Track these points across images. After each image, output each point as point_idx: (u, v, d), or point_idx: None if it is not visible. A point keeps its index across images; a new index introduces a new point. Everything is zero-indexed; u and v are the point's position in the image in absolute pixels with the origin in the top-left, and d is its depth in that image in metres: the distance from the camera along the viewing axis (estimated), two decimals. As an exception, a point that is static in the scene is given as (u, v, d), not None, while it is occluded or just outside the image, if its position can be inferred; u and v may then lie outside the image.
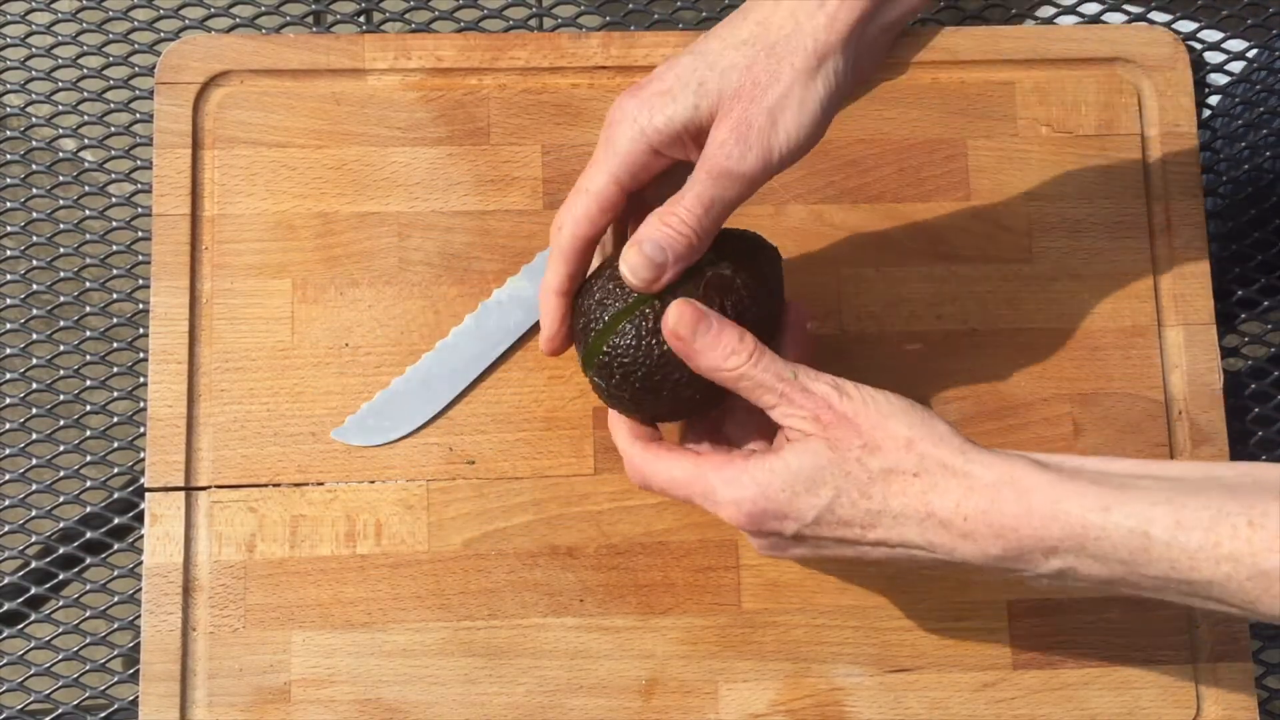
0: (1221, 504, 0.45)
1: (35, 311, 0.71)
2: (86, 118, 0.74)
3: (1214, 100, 0.81)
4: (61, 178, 0.73)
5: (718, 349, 0.52)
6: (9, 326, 0.71)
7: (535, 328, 0.69)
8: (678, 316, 0.52)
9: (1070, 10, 0.80)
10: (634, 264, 0.53)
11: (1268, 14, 0.80)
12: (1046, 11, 0.81)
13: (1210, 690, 0.68)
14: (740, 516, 0.52)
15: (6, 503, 0.69)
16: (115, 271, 0.72)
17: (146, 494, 0.66)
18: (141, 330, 0.70)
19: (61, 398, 0.70)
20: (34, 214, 0.72)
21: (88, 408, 0.70)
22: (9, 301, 0.71)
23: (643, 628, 0.67)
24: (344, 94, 0.71)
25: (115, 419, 0.70)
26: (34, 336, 0.71)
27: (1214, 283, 0.72)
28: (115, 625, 0.69)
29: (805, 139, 0.53)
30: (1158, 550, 0.45)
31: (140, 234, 0.72)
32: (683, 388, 0.55)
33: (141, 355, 0.70)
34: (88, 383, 0.71)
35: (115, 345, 0.71)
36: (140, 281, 0.71)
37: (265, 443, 0.67)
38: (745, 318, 0.54)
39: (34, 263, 0.72)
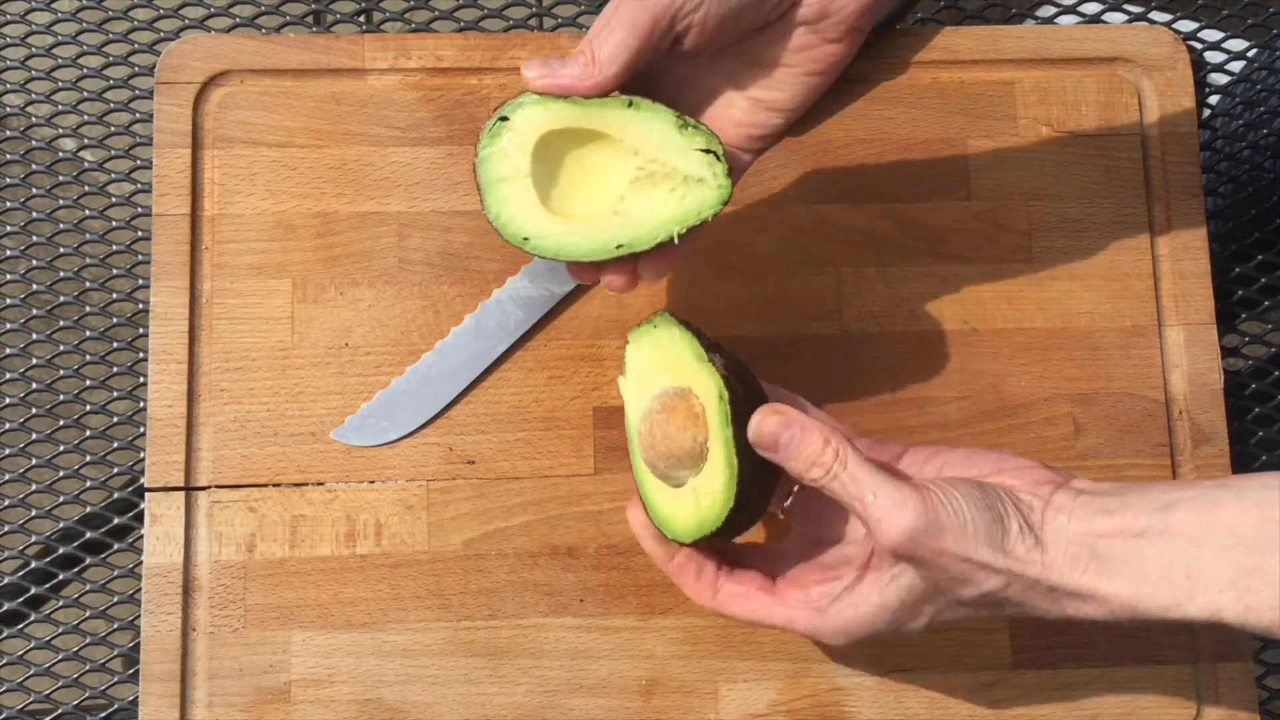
0: None
1: (35, 311, 0.71)
2: (86, 118, 0.74)
3: (1214, 100, 0.81)
4: (61, 178, 0.73)
5: (802, 458, 0.53)
6: (9, 326, 0.71)
7: (535, 327, 0.69)
8: (760, 429, 0.54)
9: (1070, 10, 0.80)
10: (532, 63, 0.54)
11: (1268, 14, 0.80)
12: (1047, 11, 0.81)
13: (1210, 690, 0.68)
14: (849, 647, 0.57)
15: (6, 503, 0.69)
16: (115, 271, 0.72)
17: (146, 494, 0.66)
18: (141, 330, 0.70)
19: (61, 398, 0.70)
20: (34, 214, 0.72)
21: (88, 408, 0.70)
22: (9, 301, 0.71)
23: (643, 628, 0.67)
24: (344, 94, 0.71)
25: (115, 419, 0.70)
26: (34, 336, 0.71)
27: (1214, 283, 0.72)
28: (115, 625, 0.69)
29: None
30: (1234, 628, 0.50)
31: (140, 234, 0.72)
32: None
33: (141, 355, 0.70)
34: (88, 383, 0.71)
35: (115, 345, 0.71)
36: (140, 281, 0.71)
37: (265, 443, 0.67)
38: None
39: (34, 263, 0.72)
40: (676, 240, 0.55)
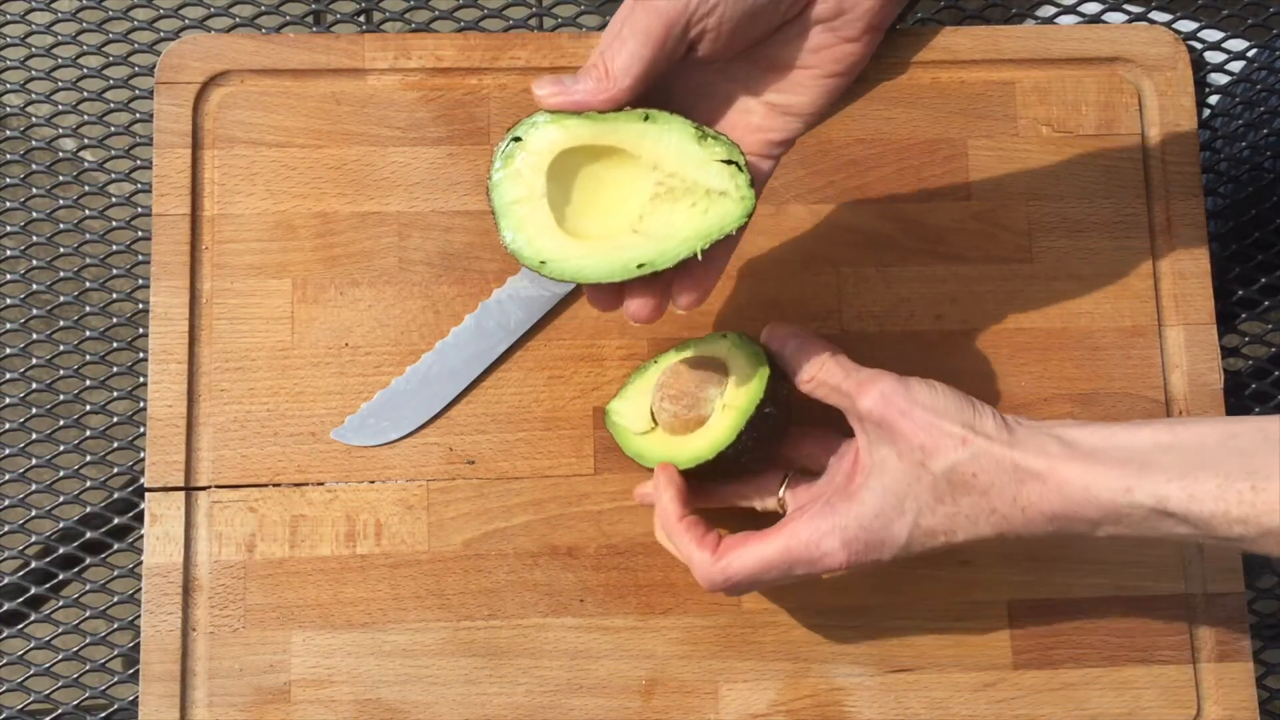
0: (1230, 471, 0.50)
1: (35, 311, 0.71)
2: (86, 118, 0.74)
3: (1214, 100, 0.81)
4: (61, 178, 0.73)
5: (807, 359, 0.60)
6: (9, 326, 0.71)
7: (535, 327, 0.69)
8: (773, 332, 0.61)
9: (1070, 10, 0.80)
10: (543, 80, 0.53)
11: (1268, 14, 0.80)
12: (1047, 11, 0.81)
13: (1210, 690, 0.68)
14: (843, 557, 0.56)
15: (6, 503, 0.69)
16: (115, 271, 0.72)
17: (146, 494, 0.66)
18: (141, 330, 0.70)
19: (61, 398, 0.70)
20: (34, 214, 0.72)
21: (88, 408, 0.70)
22: (9, 301, 0.71)
23: (643, 628, 0.67)
24: (344, 94, 0.71)
25: (115, 419, 0.70)
26: (34, 336, 0.71)
27: (1214, 283, 0.72)
28: (115, 625, 0.69)
29: None
30: (1179, 519, 0.51)
31: (140, 234, 0.72)
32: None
33: (141, 355, 0.70)
34: (88, 383, 0.71)
35: (115, 345, 0.71)
36: (140, 281, 0.71)
37: (265, 443, 0.67)
38: (775, 440, 0.62)
39: (34, 263, 0.72)
40: (700, 257, 0.53)
